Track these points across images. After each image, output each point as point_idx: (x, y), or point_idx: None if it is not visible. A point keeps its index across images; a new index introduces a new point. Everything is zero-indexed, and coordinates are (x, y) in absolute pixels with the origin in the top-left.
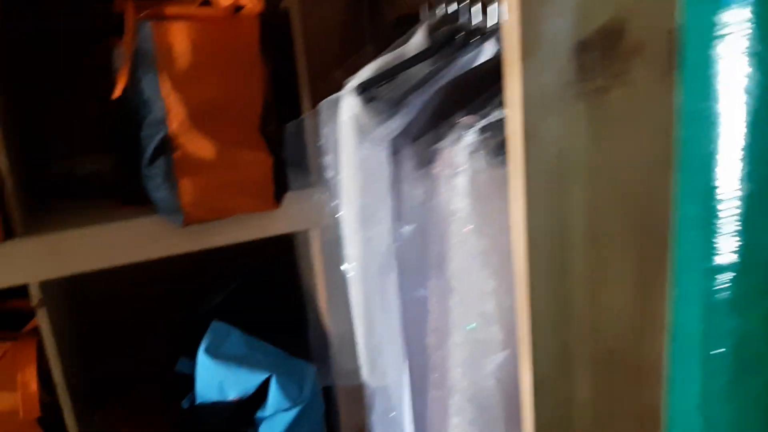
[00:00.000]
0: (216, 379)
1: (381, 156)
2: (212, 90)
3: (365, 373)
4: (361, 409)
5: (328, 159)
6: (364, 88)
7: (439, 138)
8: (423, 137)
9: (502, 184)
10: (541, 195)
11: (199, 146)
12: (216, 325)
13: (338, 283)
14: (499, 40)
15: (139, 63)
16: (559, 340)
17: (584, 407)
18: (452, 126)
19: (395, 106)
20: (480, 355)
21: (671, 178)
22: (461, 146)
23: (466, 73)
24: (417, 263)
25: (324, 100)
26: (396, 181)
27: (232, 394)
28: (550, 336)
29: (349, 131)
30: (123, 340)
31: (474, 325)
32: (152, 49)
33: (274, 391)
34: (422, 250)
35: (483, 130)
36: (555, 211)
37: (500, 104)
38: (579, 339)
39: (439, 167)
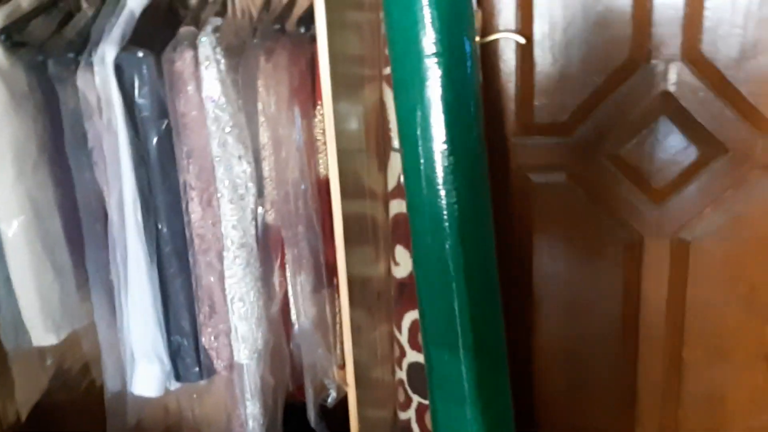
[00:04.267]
0: None
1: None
2: None
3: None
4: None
5: None
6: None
7: (165, 47)
8: (151, 50)
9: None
10: None
11: None
12: None
13: None
14: None
15: None
16: None
17: None
18: (176, 37)
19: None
20: (244, 208)
21: None
22: (204, 45)
23: (145, 12)
24: (172, 156)
25: None
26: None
27: None
28: None
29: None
30: None
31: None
32: None
33: None
34: (175, 142)
35: (214, 31)
36: None
37: (196, 23)
38: None
39: (181, 66)
